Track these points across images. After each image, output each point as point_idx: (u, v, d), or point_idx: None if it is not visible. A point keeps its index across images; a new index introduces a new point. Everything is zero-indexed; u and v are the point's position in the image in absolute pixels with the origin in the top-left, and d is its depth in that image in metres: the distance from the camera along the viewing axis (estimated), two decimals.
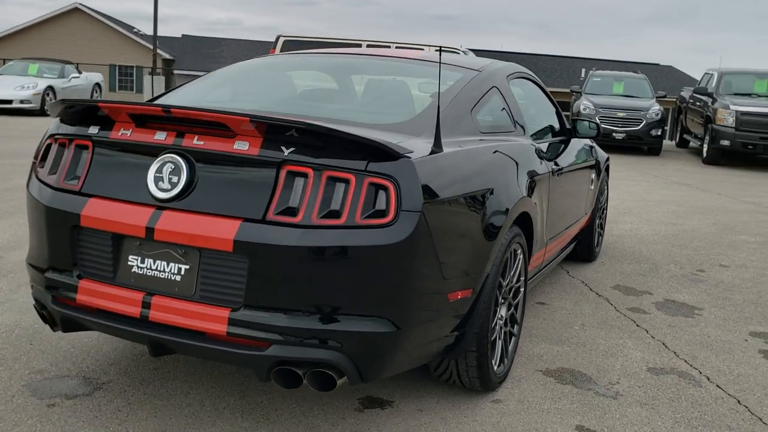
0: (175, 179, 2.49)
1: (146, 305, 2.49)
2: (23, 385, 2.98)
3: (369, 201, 2.35)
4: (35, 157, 2.91)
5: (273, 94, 3.53)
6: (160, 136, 2.55)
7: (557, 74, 33.91)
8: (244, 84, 3.65)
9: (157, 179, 2.51)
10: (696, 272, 5.54)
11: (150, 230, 2.46)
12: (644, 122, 14.59)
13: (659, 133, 14.90)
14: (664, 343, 3.95)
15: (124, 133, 2.62)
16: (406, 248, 2.35)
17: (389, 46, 16.18)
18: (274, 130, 2.40)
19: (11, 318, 3.72)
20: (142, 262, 2.53)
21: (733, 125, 13.30)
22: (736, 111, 13.31)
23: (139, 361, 3.28)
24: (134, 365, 3.24)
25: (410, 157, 2.41)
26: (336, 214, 2.34)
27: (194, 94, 3.40)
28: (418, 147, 2.56)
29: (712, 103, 14.05)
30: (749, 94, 14.42)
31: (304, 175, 2.38)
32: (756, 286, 5.23)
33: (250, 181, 2.44)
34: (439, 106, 2.80)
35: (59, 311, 2.68)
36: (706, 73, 16.18)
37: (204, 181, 2.47)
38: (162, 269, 2.50)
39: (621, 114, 14.66)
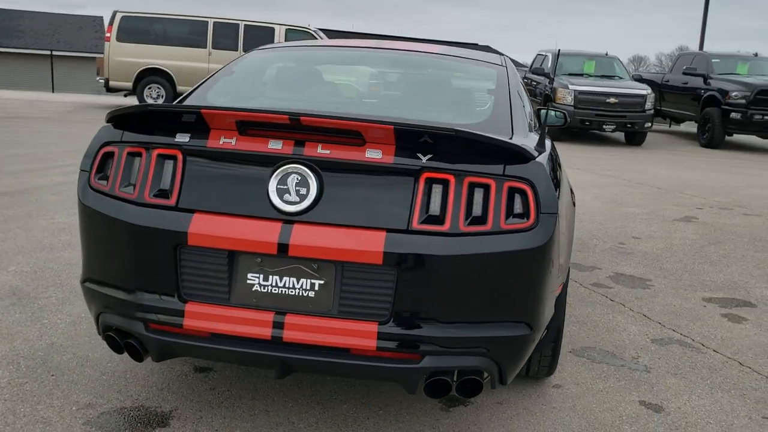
0: (303, 191, 2.34)
1: (278, 325, 2.33)
2: (85, 423, 2.67)
3: (510, 205, 2.37)
4: (86, 168, 2.59)
5: (330, 94, 3.36)
6: (275, 146, 2.38)
7: None
8: (287, 83, 3.44)
9: (282, 191, 2.34)
10: (619, 245, 6.04)
11: (283, 246, 2.30)
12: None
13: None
14: (645, 315, 4.31)
15: (226, 141, 2.41)
16: (545, 251, 2.40)
17: (238, 24, 15.70)
18: (408, 137, 2.33)
19: (5, 347, 3.28)
20: (266, 279, 2.36)
21: (572, 103, 14.44)
22: (575, 90, 14.47)
23: (188, 382, 3.04)
24: (187, 387, 3.00)
25: (539, 159, 2.45)
26: (482, 221, 2.33)
27: (236, 96, 3.17)
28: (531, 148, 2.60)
29: (550, 83, 15.13)
30: (581, 74, 15.70)
31: (445, 182, 2.34)
32: (675, 255, 5.82)
33: (387, 190, 2.35)
34: (510, 104, 2.85)
35: (157, 339, 2.43)
36: (539, 54, 17.35)
37: (334, 192, 2.35)
38: (291, 286, 2.36)
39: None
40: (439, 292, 2.31)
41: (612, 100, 14.69)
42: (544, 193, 2.40)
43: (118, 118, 2.55)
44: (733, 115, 14.84)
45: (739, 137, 16.97)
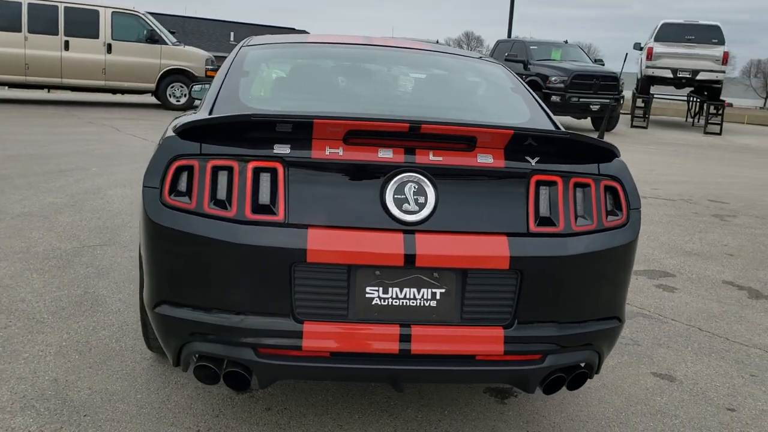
0: (421, 200, 2.29)
1: (405, 338, 2.28)
2: None
3: (607, 203, 2.49)
4: (154, 185, 2.34)
5: (376, 96, 3.22)
6: (386, 154, 2.30)
7: (206, 38, 33.24)
8: (322, 84, 3.25)
9: (400, 201, 2.28)
10: None
11: (410, 257, 2.25)
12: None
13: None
14: None
15: (333, 152, 2.29)
16: (634, 246, 2.55)
17: (57, 6, 14.38)
18: (518, 141, 2.36)
19: (2, 391, 2.86)
20: (385, 292, 2.30)
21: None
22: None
23: (239, 405, 2.86)
24: (242, 411, 2.82)
25: (620, 157, 2.59)
26: (588, 220, 2.43)
27: (276, 100, 2.99)
28: None
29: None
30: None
31: (553, 184, 2.41)
32: None
33: (501, 194, 2.38)
34: (536, 100, 2.97)
35: (269, 365, 2.27)
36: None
37: (450, 199, 2.33)
38: (413, 297, 2.31)
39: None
40: (557, 291, 2.38)
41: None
42: (631, 190, 2.54)
43: (194, 129, 2.32)
44: (553, 98, 16.18)
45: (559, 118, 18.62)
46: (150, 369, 3.12)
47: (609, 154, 2.50)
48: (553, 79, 16.51)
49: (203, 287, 2.30)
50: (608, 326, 2.53)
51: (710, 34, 18.98)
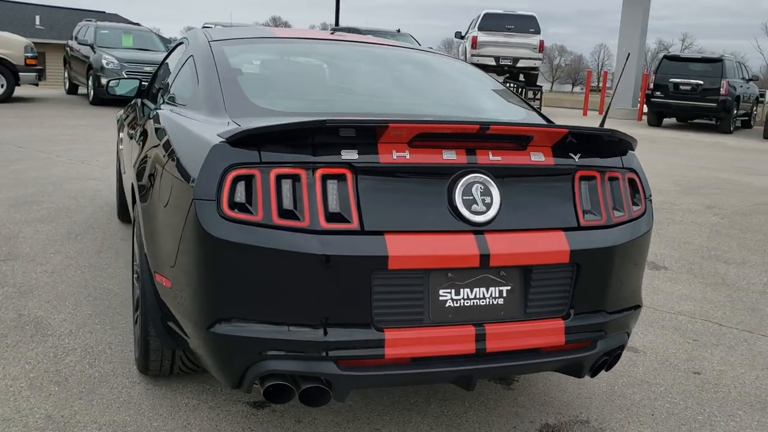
0: (488, 200, 2.32)
1: (480, 337, 2.30)
2: None
3: (631, 194, 2.66)
4: (209, 197, 2.17)
5: (383, 94, 3.11)
6: (450, 156, 2.30)
7: (9, 21, 29.95)
8: (323, 82, 3.10)
9: (468, 202, 2.29)
10: None
11: (485, 257, 2.27)
12: None
13: None
14: None
15: (399, 156, 2.25)
16: (650, 234, 2.75)
17: None
18: (563, 139, 2.46)
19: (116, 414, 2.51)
20: (457, 293, 2.30)
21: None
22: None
23: (266, 419, 2.73)
24: (271, 424, 2.69)
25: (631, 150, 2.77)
26: (621, 211, 2.58)
27: (283, 99, 2.84)
28: None
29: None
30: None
31: (593, 179, 2.53)
32: None
33: (553, 190, 2.46)
34: (516, 93, 3.09)
35: (350, 376, 2.19)
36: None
37: (510, 198, 2.37)
38: (482, 296, 2.33)
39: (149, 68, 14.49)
40: (605, 281, 2.51)
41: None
42: (645, 180, 2.74)
43: (251, 137, 2.18)
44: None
45: None
46: (148, 393, 2.88)
47: (628, 146, 2.67)
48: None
49: (274, 302, 2.18)
50: (637, 310, 2.72)
51: (527, 24, 20.33)
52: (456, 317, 2.30)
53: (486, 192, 2.32)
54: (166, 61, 4.15)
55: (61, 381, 2.94)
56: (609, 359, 2.62)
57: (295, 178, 2.18)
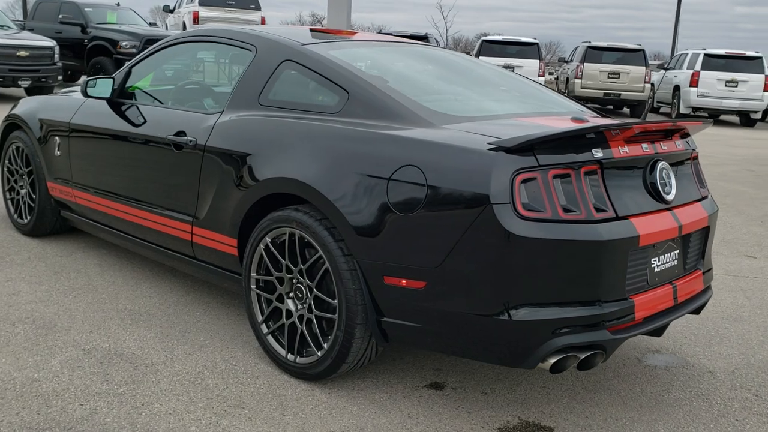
0: (672, 181, 2.90)
1: (674, 292, 2.92)
2: None
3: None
4: (503, 200, 2.46)
5: (496, 95, 3.40)
6: (645, 148, 2.84)
7: None
8: (445, 82, 3.32)
9: (663, 185, 2.85)
10: None
11: (680, 228, 2.87)
12: None
13: None
14: None
15: (624, 150, 2.74)
16: None
17: None
18: (684, 130, 3.13)
19: None
20: (658, 260, 2.87)
21: None
22: None
23: (442, 403, 3.00)
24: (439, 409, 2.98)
25: None
26: (705, 188, 3.31)
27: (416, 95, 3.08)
28: None
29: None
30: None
31: (696, 158, 3.26)
32: None
33: (687, 170, 3.14)
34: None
35: (617, 339, 2.65)
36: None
37: (676, 178, 3.00)
38: (667, 260, 2.93)
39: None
40: (710, 240, 3.24)
41: (23, 53, 13.71)
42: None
43: (530, 143, 2.50)
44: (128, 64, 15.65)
45: None
46: (343, 395, 2.95)
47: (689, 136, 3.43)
48: (124, 44, 15.86)
49: (563, 286, 2.55)
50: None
51: (248, 2, 20.44)
52: (660, 280, 2.88)
53: (668, 175, 2.91)
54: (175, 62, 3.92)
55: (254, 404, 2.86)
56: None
57: (566, 177, 2.55)
